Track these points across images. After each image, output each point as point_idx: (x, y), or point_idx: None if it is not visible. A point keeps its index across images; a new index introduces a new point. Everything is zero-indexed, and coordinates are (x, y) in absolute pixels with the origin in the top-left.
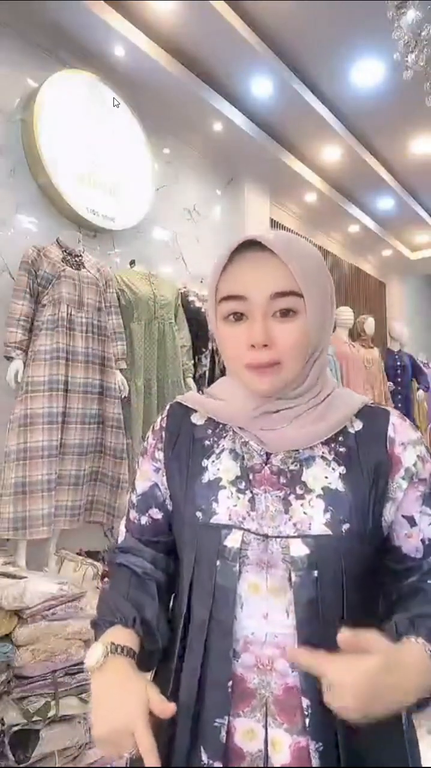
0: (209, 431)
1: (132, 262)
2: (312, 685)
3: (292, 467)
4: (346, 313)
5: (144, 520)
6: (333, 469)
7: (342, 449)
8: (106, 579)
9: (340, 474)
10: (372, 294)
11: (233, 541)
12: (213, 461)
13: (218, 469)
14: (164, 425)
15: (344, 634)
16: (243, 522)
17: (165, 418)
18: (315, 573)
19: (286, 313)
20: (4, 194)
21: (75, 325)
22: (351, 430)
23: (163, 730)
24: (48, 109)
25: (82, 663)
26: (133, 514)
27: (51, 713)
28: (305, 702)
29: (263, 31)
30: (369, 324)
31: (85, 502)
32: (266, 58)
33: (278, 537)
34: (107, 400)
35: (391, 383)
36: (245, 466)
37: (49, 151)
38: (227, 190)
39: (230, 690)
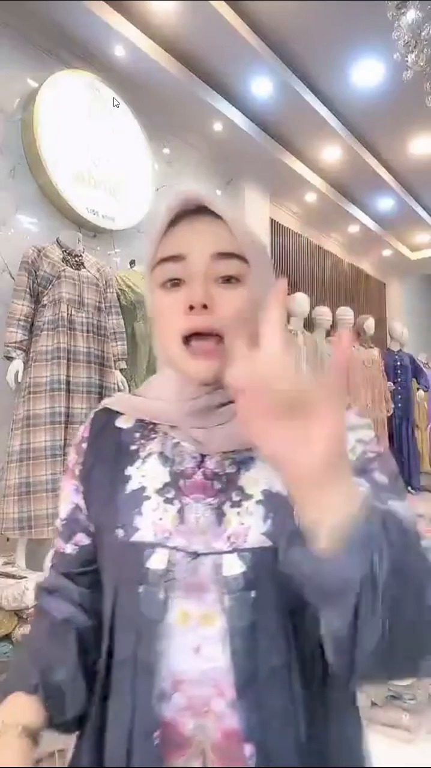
0: (137, 434)
1: (132, 262)
2: (255, 727)
3: (228, 470)
4: (346, 313)
5: (70, 548)
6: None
7: None
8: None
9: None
10: (372, 294)
11: (157, 561)
12: (138, 467)
13: (144, 477)
14: (84, 435)
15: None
16: (170, 538)
17: (87, 428)
18: (252, 593)
19: (229, 279)
20: (4, 194)
21: (75, 325)
22: None
23: None
24: (48, 109)
25: None
26: (59, 544)
27: None
28: (249, 749)
29: (263, 31)
30: (369, 324)
31: None
32: (266, 58)
33: (210, 554)
34: None
35: (391, 383)
36: (175, 472)
37: (49, 151)
38: (227, 190)
39: (157, 741)
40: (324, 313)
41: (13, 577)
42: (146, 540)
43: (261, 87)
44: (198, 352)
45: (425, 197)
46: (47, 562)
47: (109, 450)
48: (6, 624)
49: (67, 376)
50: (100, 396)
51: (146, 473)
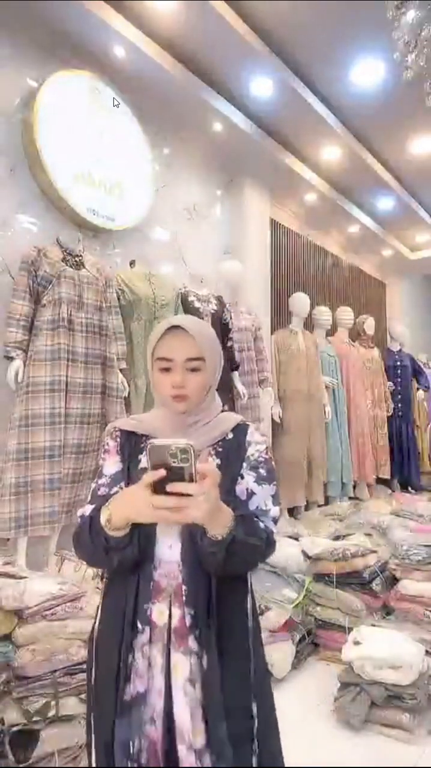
0: (143, 438)
1: (132, 263)
2: (190, 582)
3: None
4: (346, 313)
5: (115, 489)
6: (213, 459)
7: (220, 449)
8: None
9: (217, 464)
10: (372, 294)
11: None
12: (143, 455)
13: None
14: (118, 434)
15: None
16: None
17: (118, 430)
18: None
19: (194, 369)
20: (4, 194)
21: (75, 325)
22: (227, 438)
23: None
24: (48, 109)
25: (82, 663)
26: (103, 490)
27: (51, 713)
28: (185, 588)
29: (263, 31)
30: (369, 324)
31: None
32: (266, 58)
33: None
34: (109, 400)
35: (391, 383)
36: None
37: (49, 150)
38: (227, 190)
39: (151, 586)
40: (323, 312)
41: (13, 577)
42: None
43: (261, 87)
44: (178, 400)
45: (425, 197)
46: (86, 507)
47: (130, 444)
48: (6, 624)
49: (66, 376)
50: (102, 395)
51: (145, 459)
